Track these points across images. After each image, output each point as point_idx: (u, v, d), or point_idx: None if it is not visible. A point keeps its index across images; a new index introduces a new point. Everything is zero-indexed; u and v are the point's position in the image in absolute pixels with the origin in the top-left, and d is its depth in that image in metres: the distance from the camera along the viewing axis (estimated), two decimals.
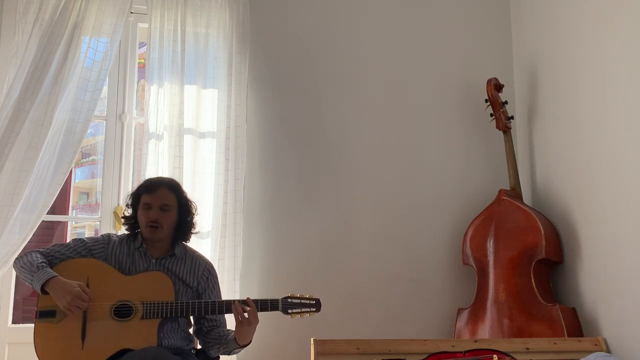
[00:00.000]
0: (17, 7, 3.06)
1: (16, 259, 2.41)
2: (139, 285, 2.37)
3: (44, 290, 2.28)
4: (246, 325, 2.35)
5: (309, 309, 2.45)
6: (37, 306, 2.33)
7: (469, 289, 3.25)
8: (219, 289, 2.59)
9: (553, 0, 3.21)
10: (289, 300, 2.45)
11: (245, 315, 2.34)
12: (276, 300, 2.43)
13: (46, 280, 2.26)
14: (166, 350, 2.24)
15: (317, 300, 2.47)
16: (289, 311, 2.44)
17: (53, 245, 2.45)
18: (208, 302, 2.40)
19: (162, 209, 2.46)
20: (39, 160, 2.87)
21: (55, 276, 2.28)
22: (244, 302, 2.38)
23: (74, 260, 2.40)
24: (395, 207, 3.38)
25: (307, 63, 3.45)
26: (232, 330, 2.44)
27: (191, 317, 2.54)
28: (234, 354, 2.49)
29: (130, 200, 2.54)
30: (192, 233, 2.58)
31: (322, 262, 3.25)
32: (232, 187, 3.11)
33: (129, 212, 2.54)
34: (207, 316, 2.47)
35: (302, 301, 2.46)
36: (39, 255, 2.36)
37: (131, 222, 2.52)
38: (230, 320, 2.51)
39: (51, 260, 2.37)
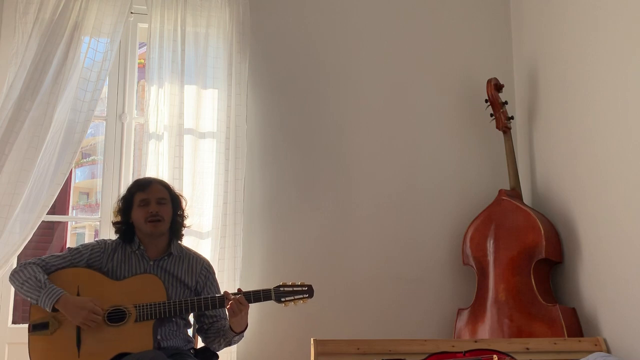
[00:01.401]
0: (17, 7, 3.06)
1: (13, 272, 2.35)
2: (129, 289, 2.36)
3: (53, 308, 2.27)
4: (238, 314, 2.34)
5: (301, 296, 2.45)
6: (29, 319, 2.32)
7: (469, 289, 3.25)
8: (218, 285, 2.59)
9: (553, 0, 3.21)
10: (281, 289, 2.45)
11: (234, 305, 2.34)
12: (268, 290, 2.43)
13: (57, 299, 2.26)
14: (162, 354, 2.23)
15: (309, 287, 2.48)
16: (282, 299, 2.43)
17: (47, 256, 2.42)
18: (201, 298, 2.40)
19: (159, 202, 2.48)
20: (39, 160, 2.87)
21: (64, 294, 2.28)
22: (222, 298, 2.39)
23: (63, 271, 2.38)
24: (394, 206, 3.38)
25: (307, 63, 3.45)
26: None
27: (191, 318, 2.54)
28: (234, 343, 2.49)
29: (122, 204, 2.52)
30: (183, 226, 2.58)
31: (322, 262, 3.25)
32: (232, 187, 3.11)
33: (119, 217, 2.52)
34: (206, 312, 2.47)
35: (295, 288, 2.46)
36: (39, 269, 2.33)
37: (124, 228, 2.50)
38: None
39: (46, 272, 2.35)
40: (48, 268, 2.37)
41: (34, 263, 2.36)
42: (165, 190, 2.54)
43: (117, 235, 2.53)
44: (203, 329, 2.50)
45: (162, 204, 2.48)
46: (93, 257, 2.44)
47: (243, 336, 2.48)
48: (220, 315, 2.51)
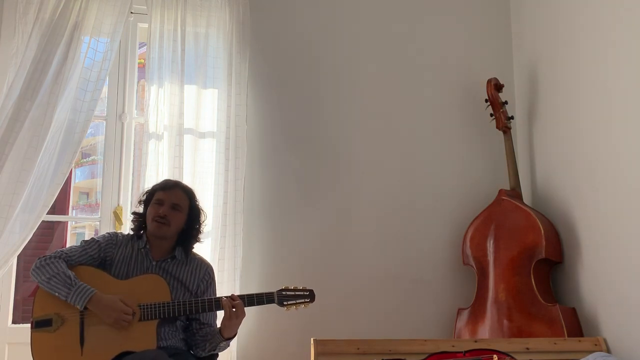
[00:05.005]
0: (17, 7, 3.06)
1: (38, 266, 2.34)
2: (134, 288, 2.37)
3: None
4: (234, 319, 2.36)
5: (303, 300, 2.47)
6: (32, 316, 2.32)
7: (469, 289, 3.25)
8: (216, 291, 2.59)
9: (553, 0, 3.21)
10: (284, 292, 2.47)
11: (234, 309, 2.36)
12: (271, 294, 2.45)
13: (89, 299, 2.28)
14: (164, 353, 2.24)
15: (311, 291, 2.49)
16: (285, 303, 2.45)
17: (68, 250, 2.43)
18: (205, 299, 2.41)
19: (172, 207, 2.49)
20: (39, 160, 2.87)
21: (95, 292, 2.30)
22: (230, 298, 2.40)
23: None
24: (395, 207, 3.38)
25: (307, 63, 3.45)
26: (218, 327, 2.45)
27: None
28: (219, 350, 2.47)
29: (144, 197, 2.57)
30: (196, 241, 2.58)
31: (322, 262, 3.25)
32: (232, 187, 3.11)
33: (140, 209, 2.56)
34: (199, 318, 2.47)
35: (297, 293, 2.48)
36: (64, 265, 2.34)
37: (139, 220, 2.54)
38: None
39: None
40: (70, 263, 2.37)
41: (58, 257, 2.36)
42: (186, 198, 2.55)
43: (132, 227, 2.56)
44: (192, 332, 2.50)
45: (175, 209, 2.49)
46: (108, 248, 2.46)
47: (229, 345, 2.48)
48: (211, 323, 2.50)
